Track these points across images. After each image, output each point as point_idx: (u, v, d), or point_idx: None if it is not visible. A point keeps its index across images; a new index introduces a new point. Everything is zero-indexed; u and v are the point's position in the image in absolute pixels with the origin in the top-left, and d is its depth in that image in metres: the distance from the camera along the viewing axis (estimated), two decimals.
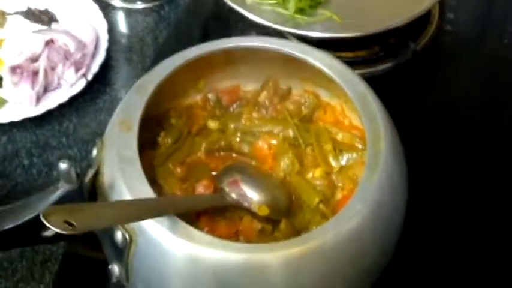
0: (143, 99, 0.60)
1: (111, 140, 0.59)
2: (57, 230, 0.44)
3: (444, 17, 0.91)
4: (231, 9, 0.84)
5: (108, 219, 0.51)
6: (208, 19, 0.96)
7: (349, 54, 0.83)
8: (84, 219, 0.47)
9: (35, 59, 0.86)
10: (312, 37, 0.81)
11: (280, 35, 0.81)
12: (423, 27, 0.88)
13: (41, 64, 0.85)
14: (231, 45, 0.66)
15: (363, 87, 0.62)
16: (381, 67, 0.84)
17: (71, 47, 0.87)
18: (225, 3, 0.85)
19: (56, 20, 0.93)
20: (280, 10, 0.84)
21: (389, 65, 0.83)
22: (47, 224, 0.44)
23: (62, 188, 0.53)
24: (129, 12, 0.97)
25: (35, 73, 0.85)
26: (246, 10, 0.83)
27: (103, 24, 0.92)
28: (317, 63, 0.64)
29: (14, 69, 0.85)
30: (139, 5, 0.98)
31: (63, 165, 0.52)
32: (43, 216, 0.44)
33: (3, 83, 0.86)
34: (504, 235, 0.73)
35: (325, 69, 0.64)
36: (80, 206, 0.51)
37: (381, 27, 0.81)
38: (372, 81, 0.65)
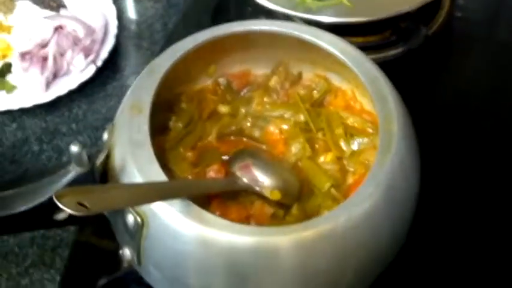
0: (154, 82, 0.60)
1: (122, 123, 0.58)
2: (70, 211, 0.44)
3: (455, 2, 0.91)
4: None
5: (121, 201, 0.51)
6: (217, 4, 0.96)
7: (360, 39, 0.83)
8: (96, 201, 0.47)
9: (44, 45, 0.86)
10: (323, 22, 0.80)
11: (290, 20, 0.81)
12: (434, 12, 0.88)
13: (50, 50, 0.85)
14: (241, 29, 0.66)
15: (375, 71, 0.62)
16: (392, 52, 0.83)
17: (80, 32, 0.87)
18: None
19: (65, 6, 0.93)
20: None
21: (400, 49, 0.83)
22: (60, 205, 0.44)
23: (73, 171, 0.53)
24: None
25: (45, 59, 0.85)
26: None
27: (112, 10, 0.92)
28: (328, 47, 0.64)
29: (23, 55, 0.85)
30: None
31: (74, 148, 0.52)
32: (56, 197, 0.44)
33: (13, 69, 0.86)
34: None
35: (337, 53, 0.63)
36: (93, 188, 0.51)
37: (392, 11, 0.80)
38: (383, 66, 0.64)
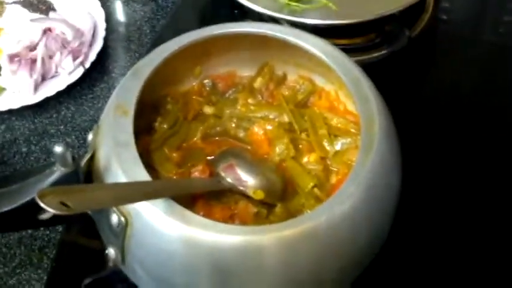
0: (139, 83, 0.61)
1: (107, 124, 0.59)
2: (52, 211, 0.44)
3: (439, 5, 0.92)
4: None
5: (104, 201, 0.51)
6: (204, 7, 0.97)
7: (345, 41, 0.84)
8: (79, 200, 0.47)
9: (33, 48, 0.87)
10: (308, 24, 0.81)
11: (276, 22, 0.81)
12: (418, 15, 0.89)
13: (39, 52, 0.86)
14: (226, 31, 0.67)
15: (357, 72, 0.63)
16: (376, 54, 0.84)
17: (69, 35, 0.88)
18: None
19: (53, 9, 0.94)
20: None
21: (384, 52, 0.84)
22: (42, 205, 0.44)
23: (58, 171, 0.54)
24: (126, 1, 0.98)
25: (33, 61, 0.85)
26: None
27: (101, 13, 0.92)
28: (312, 49, 0.65)
29: (12, 58, 0.86)
30: None
31: (58, 149, 0.53)
32: (38, 197, 0.44)
33: (2, 71, 0.87)
34: (499, 223, 0.74)
35: (320, 55, 0.64)
36: (75, 188, 0.52)
37: (377, 14, 0.81)
38: (367, 68, 0.65)
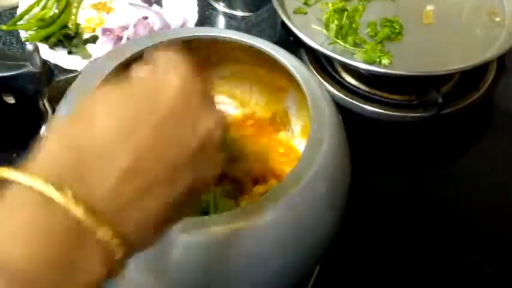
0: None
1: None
2: None
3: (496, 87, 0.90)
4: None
5: None
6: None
7: (384, 94, 0.85)
8: None
9: (125, 28, 0.98)
10: (358, 67, 0.82)
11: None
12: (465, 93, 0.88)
13: (127, 33, 0.97)
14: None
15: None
16: (410, 114, 0.84)
17: (156, 25, 0.98)
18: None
19: (160, 4, 1.05)
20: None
21: (417, 114, 0.84)
22: None
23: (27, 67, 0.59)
24: (224, 16, 1.07)
25: (120, 38, 0.97)
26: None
27: (194, 17, 1.01)
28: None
29: (104, 31, 0.98)
30: (239, 13, 1.07)
31: (30, 47, 0.58)
32: None
33: (98, 41, 0.99)
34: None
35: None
36: None
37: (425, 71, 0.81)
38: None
